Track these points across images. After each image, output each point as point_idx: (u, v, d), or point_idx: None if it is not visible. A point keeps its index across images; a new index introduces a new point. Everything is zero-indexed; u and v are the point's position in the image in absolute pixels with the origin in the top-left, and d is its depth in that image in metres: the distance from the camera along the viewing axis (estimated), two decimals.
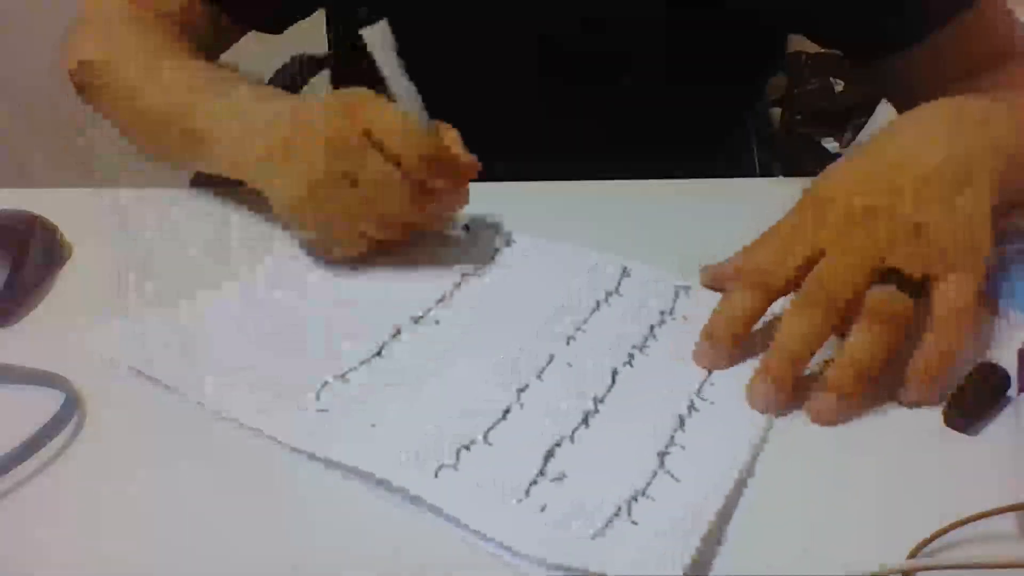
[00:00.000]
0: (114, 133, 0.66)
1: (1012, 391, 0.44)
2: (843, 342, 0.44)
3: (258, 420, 0.43)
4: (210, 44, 0.70)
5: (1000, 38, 0.65)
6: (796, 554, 0.36)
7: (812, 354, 0.44)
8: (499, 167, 0.61)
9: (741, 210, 0.54)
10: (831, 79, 1.63)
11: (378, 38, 0.50)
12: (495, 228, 0.58)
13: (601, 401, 0.44)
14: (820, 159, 1.54)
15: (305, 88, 1.05)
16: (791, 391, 0.43)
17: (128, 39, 0.65)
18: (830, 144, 1.62)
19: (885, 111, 1.24)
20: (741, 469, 0.40)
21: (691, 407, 0.44)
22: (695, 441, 0.41)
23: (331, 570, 0.36)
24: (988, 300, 0.51)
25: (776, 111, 1.65)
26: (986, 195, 0.46)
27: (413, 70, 0.71)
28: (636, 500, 0.38)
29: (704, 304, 0.48)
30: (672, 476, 0.39)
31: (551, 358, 0.47)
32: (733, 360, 0.46)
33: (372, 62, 0.75)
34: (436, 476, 0.39)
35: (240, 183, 0.57)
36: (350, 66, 0.81)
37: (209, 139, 0.56)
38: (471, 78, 0.70)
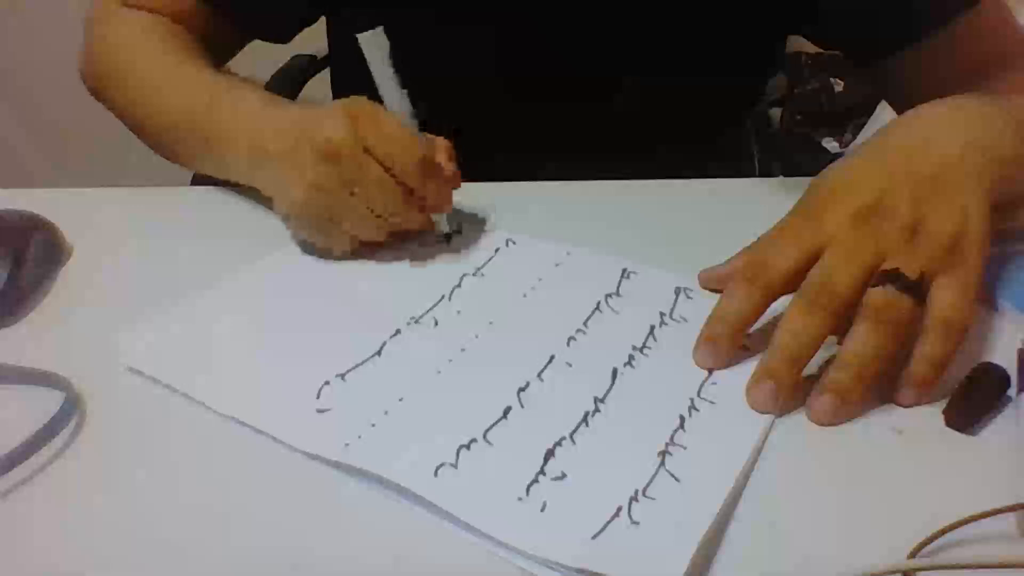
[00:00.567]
0: (114, 133, 0.67)
1: (1012, 391, 0.44)
2: (843, 342, 0.44)
3: (258, 420, 0.43)
4: (218, 49, 0.71)
5: (1000, 39, 0.65)
6: (796, 554, 0.36)
7: (812, 354, 0.44)
8: (499, 167, 0.62)
9: (741, 210, 0.54)
10: (831, 79, 1.63)
11: (373, 44, 0.51)
12: (495, 228, 0.58)
13: (602, 401, 0.44)
14: (820, 159, 1.54)
15: (305, 88, 1.05)
16: (791, 392, 0.44)
17: (141, 42, 0.66)
18: (830, 144, 1.62)
19: (885, 111, 1.24)
20: (741, 469, 0.40)
21: (692, 407, 0.44)
22: (696, 441, 0.41)
23: (331, 570, 0.36)
24: (988, 300, 0.51)
25: (776, 111, 1.65)
26: (985, 195, 0.46)
27: (412, 71, 0.72)
28: (636, 500, 0.38)
29: (704, 305, 0.48)
30: (672, 476, 0.39)
31: (551, 358, 0.47)
32: (733, 360, 0.46)
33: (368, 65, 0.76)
34: (436, 475, 0.39)
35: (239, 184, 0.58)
36: (350, 67, 0.81)
37: (221, 142, 0.57)
38: (471, 78, 0.70)
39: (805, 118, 1.64)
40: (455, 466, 0.40)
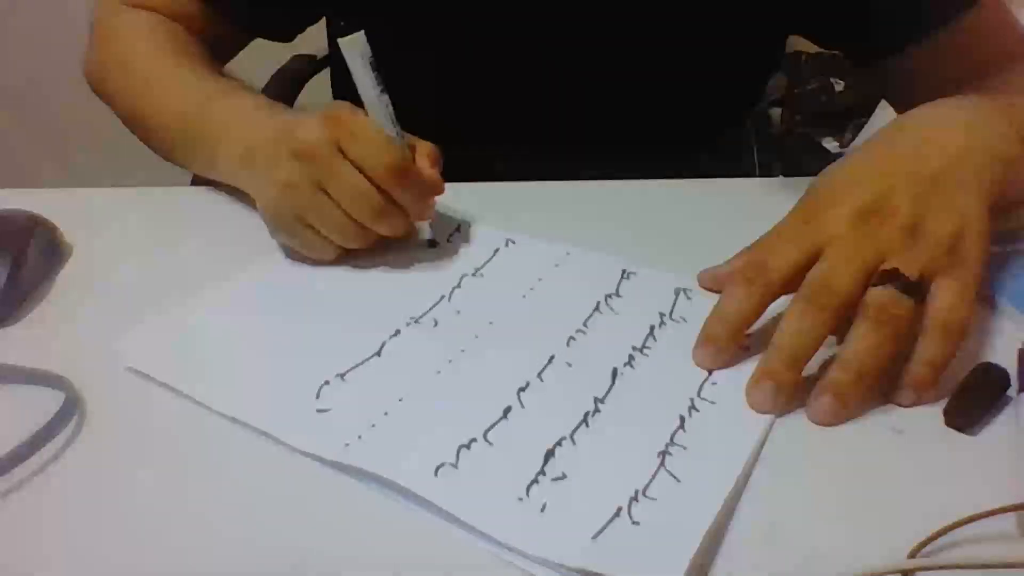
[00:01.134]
0: (114, 133, 0.67)
1: (1012, 391, 0.44)
2: (843, 342, 0.44)
3: (258, 420, 0.43)
4: (219, 48, 0.71)
5: (1000, 39, 0.65)
6: (796, 554, 0.36)
7: (811, 354, 0.44)
8: (499, 167, 0.62)
9: (741, 210, 0.54)
10: (831, 79, 1.63)
11: (353, 48, 0.50)
12: (495, 228, 0.58)
13: (602, 401, 0.44)
14: (820, 159, 1.54)
15: (305, 88, 1.05)
16: (791, 392, 0.44)
17: (141, 41, 0.67)
18: (830, 144, 1.62)
19: (885, 111, 1.24)
20: (741, 469, 0.40)
21: (692, 407, 0.44)
22: (696, 441, 0.41)
23: (331, 570, 0.36)
24: (988, 300, 0.51)
25: (776, 111, 1.65)
26: (985, 195, 0.46)
27: (409, 71, 0.72)
28: (637, 500, 0.38)
29: (704, 305, 0.48)
30: (673, 476, 0.39)
31: (551, 358, 0.47)
32: (732, 360, 0.46)
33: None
34: (436, 475, 0.39)
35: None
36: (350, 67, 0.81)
37: (212, 142, 0.58)
38: (471, 79, 0.70)
39: (805, 118, 1.65)
40: (455, 466, 0.40)
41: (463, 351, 0.47)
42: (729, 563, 0.36)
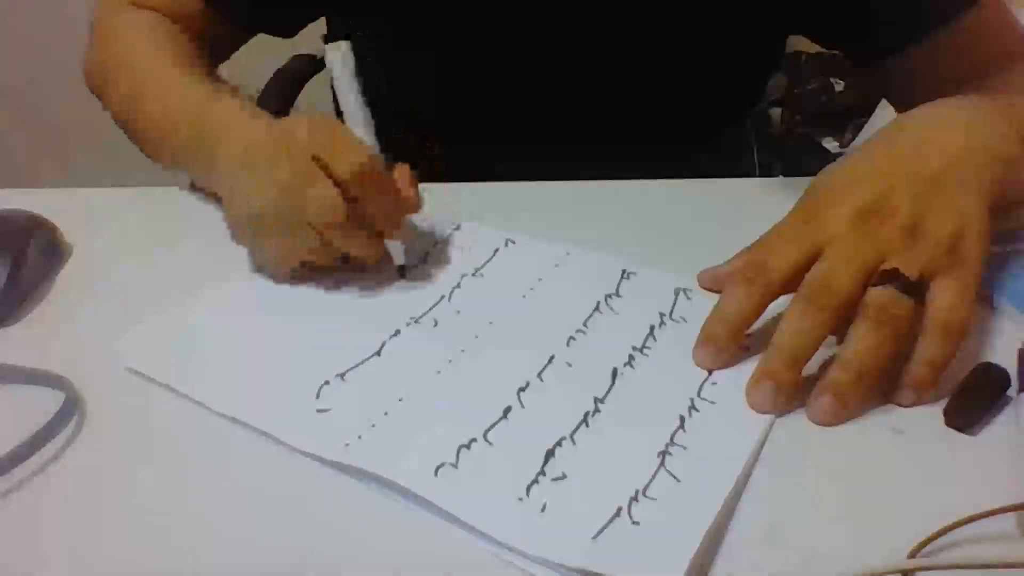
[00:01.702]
0: (114, 133, 0.67)
1: (1012, 391, 0.44)
2: (843, 342, 0.44)
3: (258, 420, 0.43)
4: (219, 46, 0.71)
5: (1000, 39, 0.65)
6: (796, 554, 0.36)
7: (811, 354, 0.44)
8: (499, 167, 0.62)
9: (741, 210, 0.54)
10: (831, 79, 1.63)
11: (338, 59, 0.50)
12: (495, 228, 0.58)
13: (602, 401, 0.44)
14: (820, 159, 1.54)
15: (305, 88, 1.05)
16: (791, 392, 0.44)
17: (138, 43, 0.66)
18: (830, 144, 1.62)
19: (885, 111, 1.24)
20: (742, 469, 0.40)
21: (692, 407, 0.44)
22: (696, 441, 0.41)
23: (331, 570, 0.36)
24: (988, 300, 0.51)
25: (776, 111, 1.65)
26: (984, 196, 0.46)
27: (408, 71, 0.71)
28: (637, 500, 0.38)
29: (704, 305, 0.48)
30: (673, 476, 0.39)
31: (551, 358, 0.47)
32: (732, 360, 0.46)
33: (370, 62, 0.75)
34: (436, 475, 0.39)
35: None
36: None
37: (197, 147, 0.57)
38: (471, 78, 0.70)
39: (805, 118, 1.65)
40: (455, 466, 0.40)
41: (463, 351, 0.47)
42: (729, 563, 0.36)
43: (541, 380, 0.45)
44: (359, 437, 0.41)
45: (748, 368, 0.45)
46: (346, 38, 0.51)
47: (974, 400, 0.43)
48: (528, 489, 0.39)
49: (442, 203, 0.60)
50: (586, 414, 0.43)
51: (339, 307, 0.51)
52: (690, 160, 0.67)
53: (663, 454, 0.41)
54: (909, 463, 0.41)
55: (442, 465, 0.40)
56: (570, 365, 0.46)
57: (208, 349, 0.48)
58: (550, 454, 0.40)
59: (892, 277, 0.43)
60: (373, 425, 0.42)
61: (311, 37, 0.81)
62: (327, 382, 0.45)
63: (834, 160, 0.50)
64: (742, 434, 0.42)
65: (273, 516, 0.38)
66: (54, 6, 1.56)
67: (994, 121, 0.50)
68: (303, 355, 0.47)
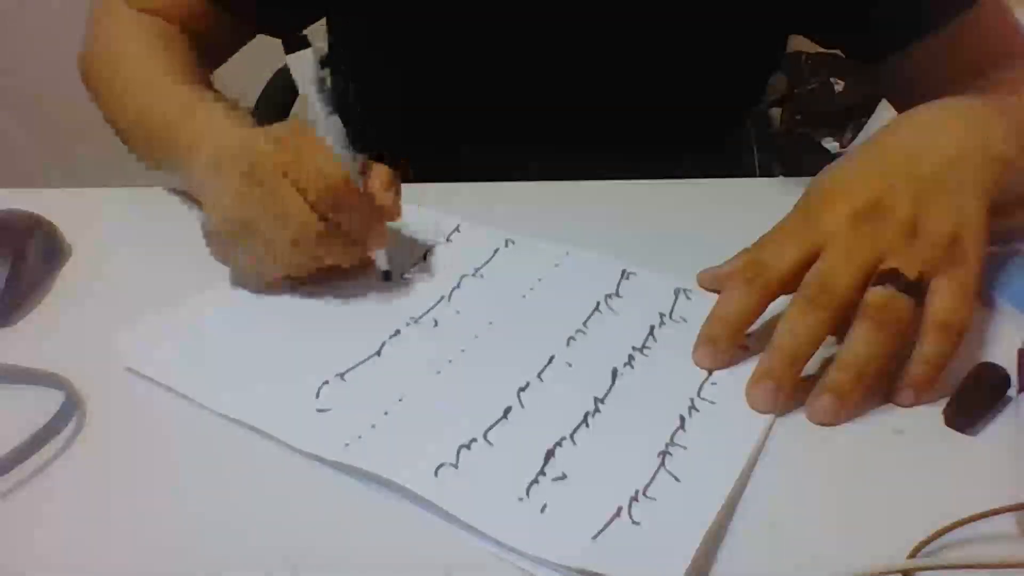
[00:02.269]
0: (114, 133, 0.67)
1: (1012, 391, 0.44)
2: (843, 342, 0.44)
3: (258, 420, 0.43)
4: (218, 45, 0.70)
5: (1000, 39, 0.65)
6: (796, 554, 0.36)
7: (811, 354, 0.44)
8: (499, 167, 0.62)
9: (741, 210, 0.54)
10: (831, 79, 1.63)
11: (301, 67, 0.48)
12: (494, 228, 0.58)
13: (602, 401, 0.44)
14: (820, 159, 1.53)
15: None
16: (791, 392, 0.44)
17: (130, 44, 0.66)
18: (830, 144, 1.62)
19: (885, 111, 1.24)
20: (742, 469, 0.40)
21: (692, 407, 0.44)
22: (696, 441, 0.41)
23: (331, 569, 0.36)
24: (988, 300, 0.51)
25: (776, 111, 1.65)
26: (984, 195, 0.46)
27: (407, 71, 0.71)
28: (637, 500, 0.38)
29: (704, 305, 0.48)
30: (673, 476, 0.39)
31: (551, 358, 0.47)
32: (732, 360, 0.46)
33: (370, 62, 0.75)
34: (436, 475, 0.39)
35: None
36: (350, 68, 0.81)
37: (179, 152, 0.56)
38: (471, 79, 0.70)
39: (805, 118, 1.65)
40: (455, 466, 0.40)
41: (463, 351, 0.47)
42: (729, 563, 0.36)
43: (541, 380, 0.45)
44: (359, 437, 0.41)
45: (748, 368, 0.45)
46: (307, 44, 0.49)
47: (974, 400, 0.43)
48: (528, 489, 0.39)
49: (442, 203, 0.60)
50: (586, 414, 0.43)
51: (339, 307, 0.51)
52: (690, 160, 0.66)
53: (663, 454, 0.41)
54: (909, 463, 0.41)
55: (442, 465, 0.40)
56: (570, 365, 0.46)
57: (208, 349, 0.48)
58: (550, 454, 0.40)
59: (891, 277, 0.43)
60: (373, 425, 0.42)
61: (311, 37, 0.81)
62: (327, 382, 0.45)
63: (834, 160, 0.50)
64: (742, 434, 0.42)
65: (273, 516, 0.38)
66: (54, 6, 1.56)
67: (993, 121, 0.50)
68: (303, 355, 0.47)
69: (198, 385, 0.45)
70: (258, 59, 0.80)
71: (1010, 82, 0.61)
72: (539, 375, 0.45)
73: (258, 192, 0.48)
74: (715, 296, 0.48)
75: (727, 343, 0.46)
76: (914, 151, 0.48)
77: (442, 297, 0.52)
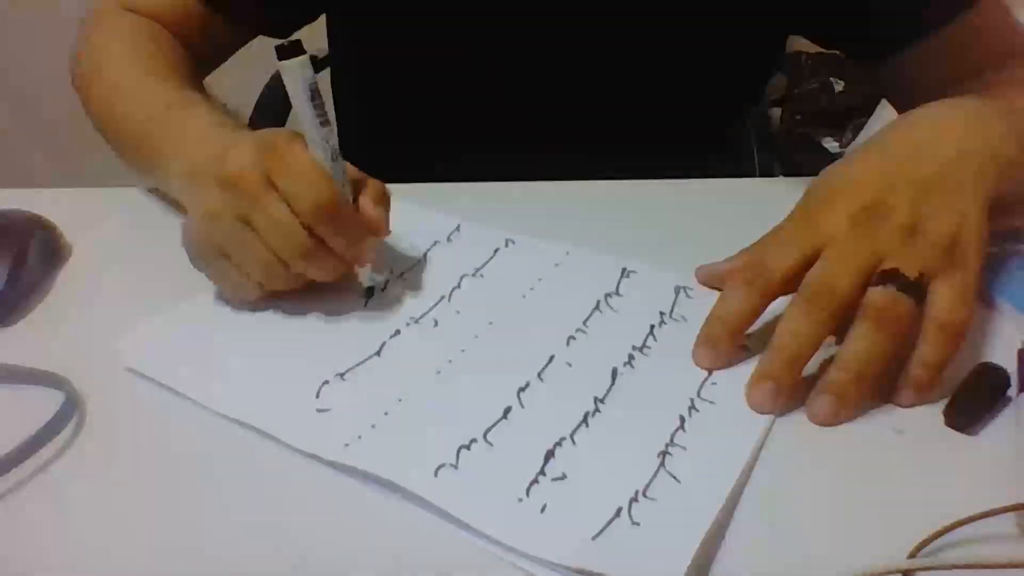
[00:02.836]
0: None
1: (1012, 391, 0.44)
2: (843, 343, 0.44)
3: (258, 420, 0.43)
4: (214, 50, 0.70)
5: (1000, 39, 0.65)
6: (796, 554, 0.36)
7: (811, 355, 0.44)
8: (499, 167, 0.62)
9: (741, 210, 0.54)
10: (831, 79, 1.63)
11: (296, 74, 0.46)
12: (494, 228, 0.58)
13: (602, 401, 0.44)
14: (820, 159, 1.54)
15: None
16: (791, 392, 0.44)
17: (118, 47, 0.65)
18: (830, 144, 1.62)
19: (885, 111, 1.24)
20: (742, 469, 0.40)
21: (691, 407, 0.44)
22: (696, 441, 0.41)
23: (331, 570, 0.36)
24: (988, 300, 0.51)
25: (776, 111, 1.65)
26: (983, 196, 0.46)
27: (406, 70, 0.71)
28: (637, 500, 0.38)
29: (704, 304, 0.48)
30: (673, 476, 0.39)
31: (551, 358, 0.47)
32: (732, 360, 0.46)
33: (370, 62, 0.75)
34: (436, 475, 0.39)
35: None
36: (350, 67, 0.81)
37: (162, 158, 0.55)
38: (471, 78, 0.70)
39: (805, 118, 1.65)
40: (455, 466, 0.40)
41: (463, 351, 0.47)
42: (729, 563, 0.36)
43: (541, 380, 0.45)
44: (359, 437, 0.41)
45: (748, 368, 0.45)
46: (301, 51, 0.47)
47: (974, 400, 0.43)
48: (528, 489, 0.39)
49: (442, 203, 0.60)
50: (586, 414, 0.43)
51: (339, 307, 0.51)
52: (690, 160, 0.66)
53: (663, 454, 0.41)
54: (909, 463, 0.41)
55: (442, 465, 0.40)
56: (570, 365, 0.46)
57: (208, 349, 0.48)
58: (550, 454, 0.40)
59: (891, 277, 0.43)
60: (373, 425, 0.42)
61: (312, 37, 0.81)
62: (327, 382, 0.45)
63: (834, 160, 0.50)
64: (742, 434, 0.42)
65: (273, 516, 0.38)
66: (54, 6, 1.56)
67: (993, 122, 0.50)
68: (303, 355, 0.47)
69: (198, 385, 0.45)
70: (258, 60, 0.80)
71: (1010, 82, 0.61)
72: (539, 375, 0.45)
73: (240, 203, 0.46)
74: (715, 294, 0.48)
75: (727, 343, 0.46)
76: (914, 152, 0.48)
77: (442, 297, 0.52)
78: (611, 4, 0.67)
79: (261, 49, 0.75)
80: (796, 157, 1.57)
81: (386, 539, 0.37)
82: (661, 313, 0.50)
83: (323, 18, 0.78)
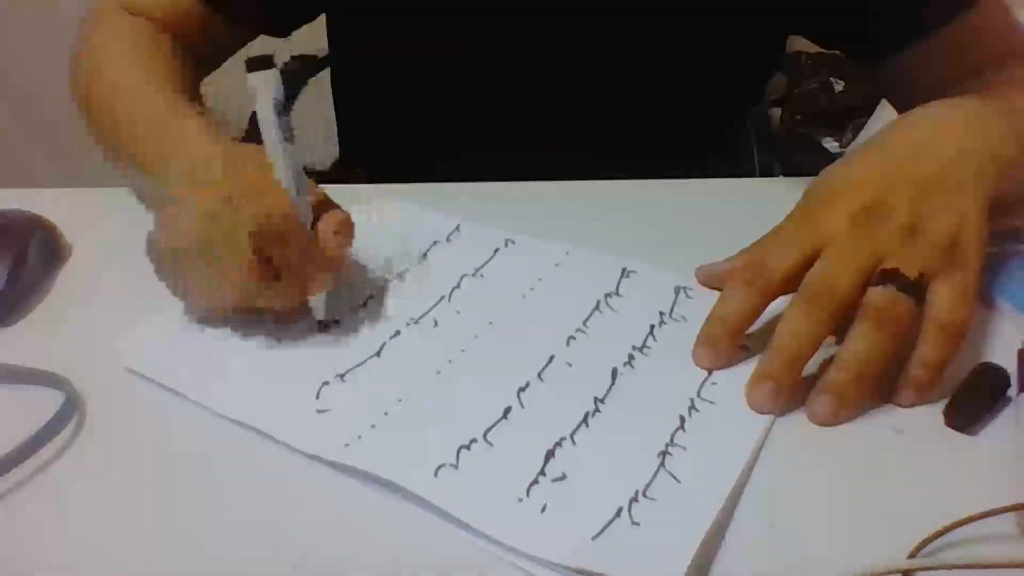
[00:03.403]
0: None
1: (1012, 391, 0.44)
2: (842, 343, 0.44)
3: (258, 420, 0.43)
4: (214, 50, 0.70)
5: (1000, 39, 0.65)
6: (796, 554, 0.36)
7: (811, 355, 0.44)
8: (499, 167, 0.61)
9: (741, 210, 0.54)
10: (831, 79, 1.63)
11: (264, 88, 0.44)
12: (494, 228, 0.58)
13: (602, 401, 0.44)
14: (820, 159, 1.54)
15: (305, 88, 1.05)
16: (791, 392, 0.44)
17: (114, 51, 0.64)
18: (830, 144, 1.62)
19: (885, 111, 1.24)
20: (742, 469, 0.40)
21: (691, 407, 0.44)
22: (696, 441, 0.41)
23: (331, 570, 0.36)
24: (988, 300, 0.51)
25: (776, 111, 1.65)
26: (983, 196, 0.46)
27: (407, 70, 0.71)
28: (637, 501, 0.38)
29: (704, 304, 0.48)
30: (673, 476, 0.39)
31: (551, 358, 0.47)
32: (732, 360, 0.46)
33: (370, 62, 0.75)
34: (436, 475, 0.39)
35: None
36: (350, 67, 0.81)
37: (144, 165, 0.55)
38: (471, 78, 0.70)
39: (805, 118, 1.65)
40: (455, 466, 0.40)
41: (463, 351, 0.47)
42: (729, 563, 0.36)
43: (541, 380, 0.45)
44: (359, 437, 0.41)
45: (748, 368, 0.45)
46: (271, 65, 0.44)
47: (974, 400, 0.43)
48: (528, 489, 0.39)
49: (442, 203, 0.60)
50: (586, 414, 0.43)
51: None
52: (690, 160, 0.66)
53: (663, 454, 0.41)
54: (909, 463, 0.41)
55: (442, 465, 0.40)
56: (570, 365, 0.46)
57: (208, 349, 0.48)
58: (550, 454, 0.40)
59: (892, 277, 0.43)
60: (373, 425, 0.42)
61: (311, 37, 0.81)
62: (327, 382, 0.45)
63: (834, 160, 0.50)
64: (742, 434, 0.42)
65: (273, 516, 0.38)
66: (54, 6, 1.56)
67: (993, 122, 0.50)
68: (303, 356, 0.47)
69: (198, 385, 0.45)
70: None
71: (1010, 82, 0.61)
72: (539, 375, 0.45)
73: (224, 211, 0.45)
74: (715, 294, 0.48)
75: (727, 343, 0.46)
76: (914, 151, 0.48)
77: (442, 297, 0.52)
78: (611, 4, 0.66)
79: (262, 49, 0.75)
80: (796, 157, 1.57)
81: (386, 539, 0.37)
82: (661, 313, 0.50)
83: (323, 18, 0.78)
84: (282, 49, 0.79)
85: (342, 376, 0.45)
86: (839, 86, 1.63)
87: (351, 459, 0.40)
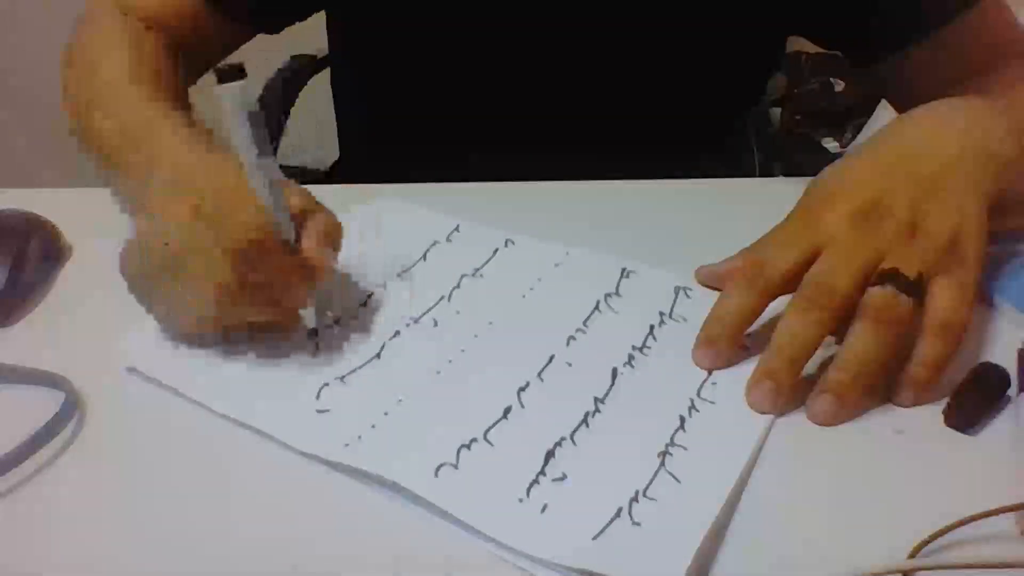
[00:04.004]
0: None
1: (1012, 391, 0.44)
2: (842, 342, 0.44)
3: (258, 420, 0.43)
4: (207, 51, 0.70)
5: (1000, 39, 0.65)
6: (796, 554, 0.36)
7: (810, 355, 0.44)
8: (499, 167, 0.61)
9: (741, 210, 0.54)
10: (831, 79, 1.63)
11: (235, 100, 0.41)
12: (494, 228, 0.58)
13: (602, 401, 0.44)
14: (820, 159, 1.53)
15: (305, 88, 1.05)
16: (790, 392, 0.44)
17: (102, 54, 0.63)
18: (830, 144, 1.62)
19: (885, 111, 1.24)
20: (742, 469, 0.40)
21: (691, 407, 0.44)
22: (696, 441, 0.41)
23: (331, 570, 0.36)
24: (988, 300, 0.51)
25: (776, 111, 1.65)
26: (983, 196, 0.46)
27: (407, 69, 0.71)
28: (637, 501, 0.38)
29: (704, 304, 0.48)
30: (673, 477, 0.39)
31: (551, 358, 0.47)
32: (732, 360, 0.46)
33: (370, 62, 0.75)
34: (436, 475, 0.39)
35: None
36: (350, 67, 0.81)
37: (128, 172, 0.54)
38: (471, 79, 0.70)
39: (805, 118, 1.65)
40: (455, 466, 0.40)
41: (463, 351, 0.47)
42: (729, 563, 0.36)
43: (541, 380, 0.45)
44: (359, 437, 0.41)
45: (748, 368, 0.45)
46: (242, 76, 0.41)
47: (974, 400, 0.43)
48: (528, 489, 0.39)
49: (442, 203, 0.60)
50: (586, 414, 0.43)
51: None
52: (690, 160, 0.66)
53: (663, 454, 0.41)
54: (909, 463, 0.41)
55: (442, 465, 0.40)
56: (570, 365, 0.46)
57: (208, 349, 0.48)
58: (550, 454, 0.40)
59: (891, 277, 0.43)
60: (373, 425, 0.42)
61: (311, 37, 0.81)
62: (327, 383, 0.45)
63: (834, 160, 0.50)
64: (742, 434, 0.42)
65: (273, 516, 0.38)
66: (54, 6, 1.56)
67: (993, 122, 0.50)
68: (303, 356, 0.47)
69: (198, 385, 0.45)
70: (258, 59, 0.80)
71: (1010, 82, 0.61)
72: (539, 375, 0.45)
73: (198, 229, 0.43)
74: (715, 294, 0.48)
75: (727, 343, 0.46)
76: (914, 151, 0.48)
77: (442, 297, 0.52)
78: (611, 5, 0.66)
79: (262, 47, 0.75)
80: (796, 157, 1.57)
81: (386, 539, 0.37)
82: (661, 313, 0.50)
83: (323, 19, 0.78)
84: (282, 49, 0.80)
85: (342, 377, 0.45)
86: (839, 86, 1.63)
87: (351, 459, 0.40)
